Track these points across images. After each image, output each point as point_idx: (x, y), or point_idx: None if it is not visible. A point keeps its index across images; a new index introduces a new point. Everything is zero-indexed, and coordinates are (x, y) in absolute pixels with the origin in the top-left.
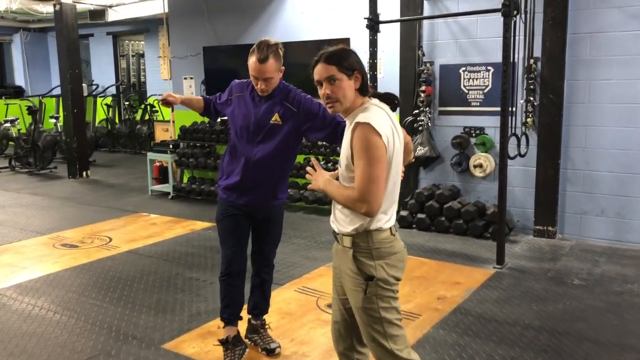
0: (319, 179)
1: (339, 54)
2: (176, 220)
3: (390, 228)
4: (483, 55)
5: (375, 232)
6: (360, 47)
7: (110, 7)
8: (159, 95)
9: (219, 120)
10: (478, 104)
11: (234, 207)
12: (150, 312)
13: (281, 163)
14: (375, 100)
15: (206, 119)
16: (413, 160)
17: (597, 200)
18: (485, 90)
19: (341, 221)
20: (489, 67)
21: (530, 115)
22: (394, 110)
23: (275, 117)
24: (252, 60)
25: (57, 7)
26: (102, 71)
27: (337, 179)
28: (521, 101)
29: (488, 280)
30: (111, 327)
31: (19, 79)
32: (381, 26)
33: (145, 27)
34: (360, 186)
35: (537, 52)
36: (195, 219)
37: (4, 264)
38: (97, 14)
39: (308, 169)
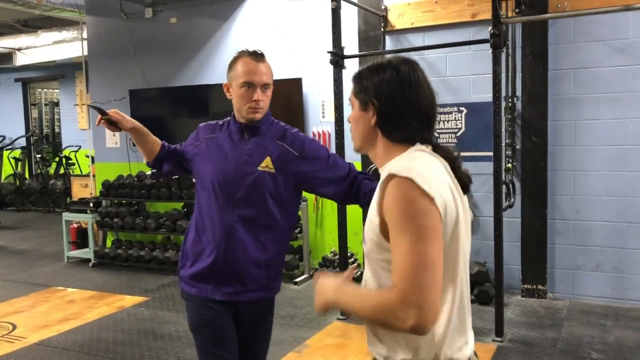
0: (322, 291)
1: (365, 69)
2: (99, 296)
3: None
4: (454, 94)
5: None
6: (313, 87)
7: (19, 49)
8: (76, 147)
9: (149, 172)
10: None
11: (211, 306)
12: None
13: (275, 233)
14: (424, 147)
15: (147, 170)
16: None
17: (590, 253)
18: (458, 134)
19: (383, 341)
20: (461, 108)
21: (511, 160)
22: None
23: (267, 162)
24: (242, 63)
25: None
26: (9, 121)
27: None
28: (502, 145)
29: (494, 359)
30: None
31: None
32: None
33: (60, 72)
34: (401, 278)
35: (518, 90)
36: (123, 293)
37: None
38: (4, 58)
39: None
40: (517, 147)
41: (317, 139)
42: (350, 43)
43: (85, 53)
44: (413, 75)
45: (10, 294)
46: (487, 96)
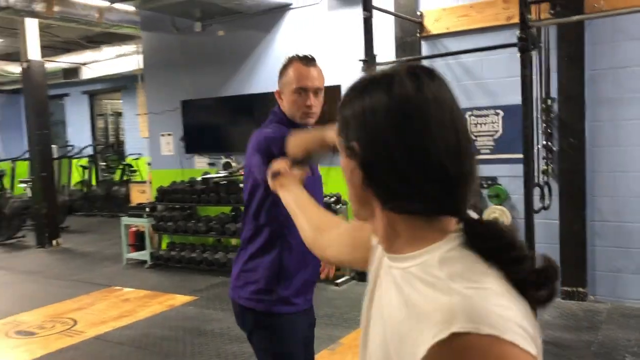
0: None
1: (349, 89)
2: (152, 295)
3: None
4: (491, 97)
5: None
6: None
7: (85, 64)
8: (137, 155)
9: (199, 178)
10: (488, 151)
11: (303, 317)
12: None
13: None
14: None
15: (198, 175)
16: None
17: (632, 256)
18: (496, 136)
19: None
20: (497, 111)
21: (549, 162)
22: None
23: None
24: (294, 68)
25: (25, 65)
26: (78, 131)
27: None
28: (538, 146)
29: None
30: None
31: None
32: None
33: (122, 84)
34: None
35: (553, 91)
36: (175, 292)
37: None
38: (71, 73)
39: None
40: (555, 148)
41: None
42: (388, 49)
43: (141, 66)
44: (419, 98)
45: (73, 293)
46: None
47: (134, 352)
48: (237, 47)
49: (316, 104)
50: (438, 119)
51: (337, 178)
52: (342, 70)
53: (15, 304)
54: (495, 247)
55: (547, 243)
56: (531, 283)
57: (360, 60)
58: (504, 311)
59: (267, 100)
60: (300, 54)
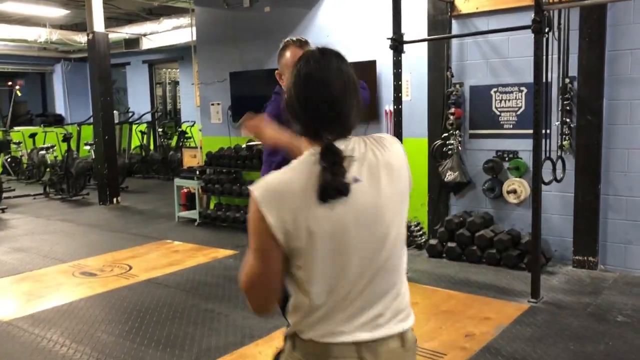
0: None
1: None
2: (199, 248)
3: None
4: (515, 75)
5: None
6: (387, 69)
7: (145, 35)
8: (191, 122)
9: (244, 145)
10: (511, 126)
11: None
12: (159, 347)
13: None
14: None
15: (243, 142)
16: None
17: None
18: (519, 112)
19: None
20: (522, 88)
21: (567, 138)
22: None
23: None
24: (290, 51)
25: (90, 36)
26: (138, 99)
27: None
28: (557, 123)
29: (521, 316)
30: None
31: (60, 108)
32: (409, 47)
33: (179, 54)
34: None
35: (573, 71)
36: (219, 247)
37: (21, 292)
38: (132, 43)
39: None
40: (573, 125)
41: (389, 117)
42: (420, 27)
43: (194, 39)
44: (304, 70)
45: (130, 244)
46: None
47: (179, 294)
48: (281, 23)
49: None
50: (314, 81)
51: None
52: (378, 46)
53: (80, 250)
54: (327, 153)
55: (562, 214)
56: (334, 175)
57: (387, 38)
58: (268, 178)
59: None
60: (294, 38)
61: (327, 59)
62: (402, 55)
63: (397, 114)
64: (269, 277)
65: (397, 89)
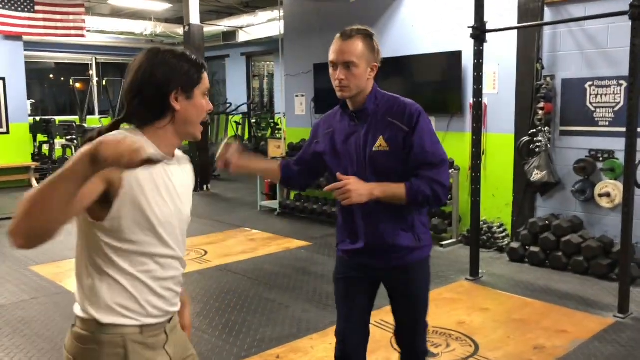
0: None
1: None
2: (274, 238)
3: None
4: (614, 67)
5: None
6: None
7: (241, 28)
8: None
9: None
10: (607, 123)
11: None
12: (216, 333)
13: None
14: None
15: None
16: None
17: None
18: (616, 108)
19: None
20: (620, 82)
21: None
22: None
23: (380, 142)
24: (332, 44)
25: (187, 28)
26: (236, 90)
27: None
28: None
29: (603, 332)
30: None
31: None
32: (496, 37)
33: (275, 47)
34: None
35: None
36: (293, 237)
37: None
38: (229, 35)
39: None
40: None
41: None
42: (511, 15)
43: (282, 32)
44: (149, 60)
45: (210, 230)
46: None
47: (245, 281)
48: (367, 14)
49: (346, 77)
50: (152, 73)
51: (451, 143)
52: (464, 36)
53: None
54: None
55: None
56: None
57: (469, 27)
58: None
59: (392, 64)
60: (345, 29)
61: (165, 54)
62: (488, 45)
63: (477, 107)
64: None
65: (478, 80)
